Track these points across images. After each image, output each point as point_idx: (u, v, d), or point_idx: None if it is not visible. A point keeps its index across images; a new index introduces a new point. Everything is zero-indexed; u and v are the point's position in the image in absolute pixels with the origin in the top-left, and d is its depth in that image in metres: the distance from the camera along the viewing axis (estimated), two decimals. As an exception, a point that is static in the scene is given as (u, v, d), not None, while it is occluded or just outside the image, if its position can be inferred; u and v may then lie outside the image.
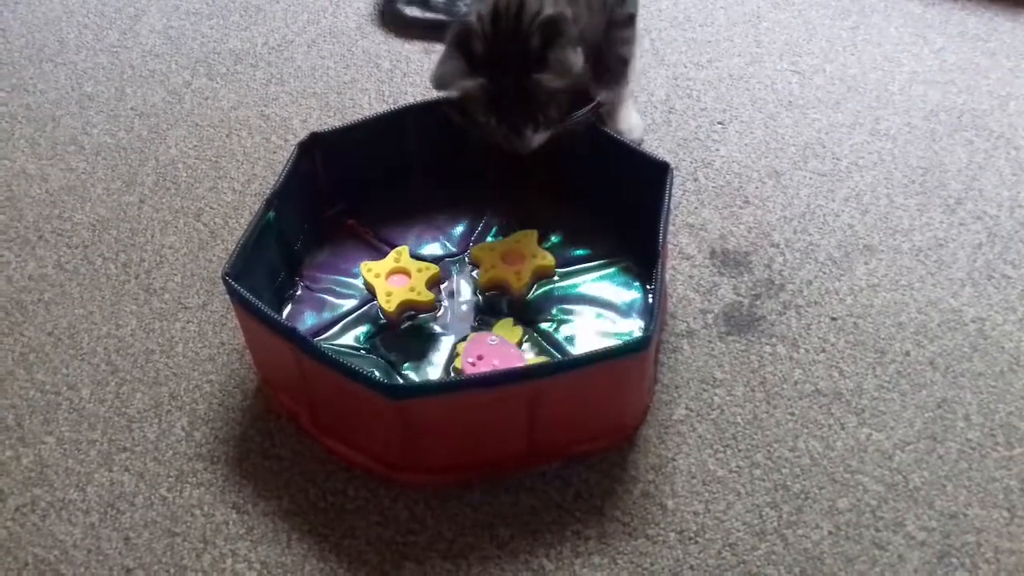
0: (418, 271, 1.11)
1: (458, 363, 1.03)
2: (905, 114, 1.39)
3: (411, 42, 1.52)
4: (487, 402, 0.92)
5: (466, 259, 1.15)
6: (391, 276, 1.10)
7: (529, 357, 1.04)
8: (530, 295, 1.11)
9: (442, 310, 1.09)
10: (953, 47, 1.51)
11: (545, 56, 1.05)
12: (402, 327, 1.08)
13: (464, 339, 1.05)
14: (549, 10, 1.06)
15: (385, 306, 1.07)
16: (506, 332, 1.06)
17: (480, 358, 1.01)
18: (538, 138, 1.08)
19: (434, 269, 1.11)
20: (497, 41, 1.06)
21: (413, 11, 1.57)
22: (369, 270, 1.11)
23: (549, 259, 1.13)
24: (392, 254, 1.12)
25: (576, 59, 1.06)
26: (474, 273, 1.13)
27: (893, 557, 0.91)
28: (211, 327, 1.12)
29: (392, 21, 1.57)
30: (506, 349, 1.03)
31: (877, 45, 1.51)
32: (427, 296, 1.08)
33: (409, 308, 1.08)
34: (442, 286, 1.12)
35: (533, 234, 1.15)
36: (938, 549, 0.92)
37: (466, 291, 1.11)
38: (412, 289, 1.09)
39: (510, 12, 1.06)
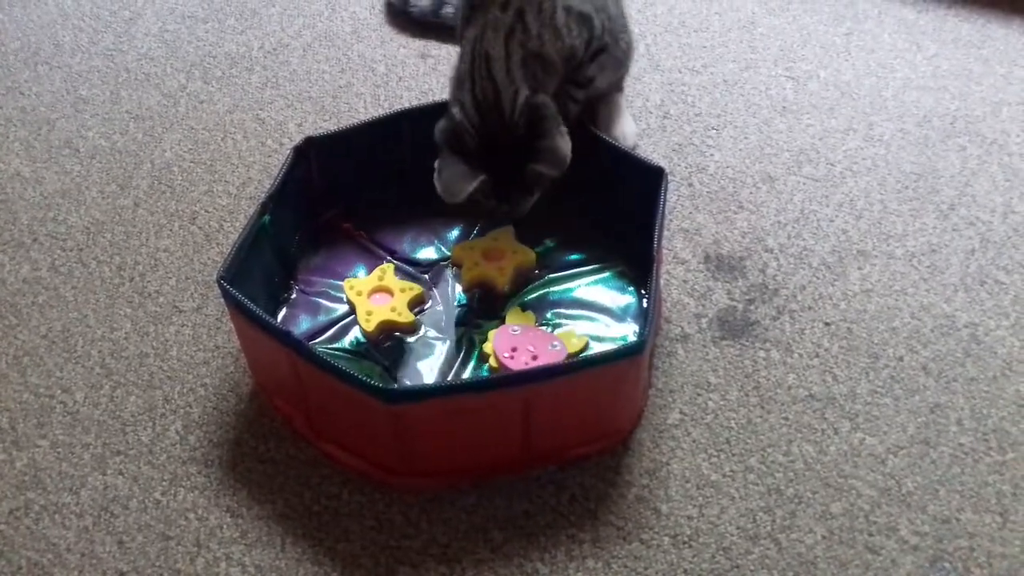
0: (401, 291, 1.09)
1: (492, 362, 1.03)
2: (899, 120, 1.39)
3: (407, 46, 1.53)
4: (482, 406, 0.92)
5: (409, 257, 1.15)
6: (373, 295, 1.09)
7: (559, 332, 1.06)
8: (526, 298, 1.11)
9: (430, 311, 1.09)
10: (946, 53, 1.51)
11: (536, 146, 1.04)
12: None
13: (460, 343, 1.06)
14: (523, 90, 1.05)
15: (364, 326, 1.06)
16: (521, 319, 1.07)
17: (514, 350, 1.02)
18: (532, 201, 1.10)
19: (417, 290, 1.09)
20: (486, 132, 1.06)
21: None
22: (352, 287, 1.10)
23: (530, 254, 1.14)
24: (376, 272, 1.11)
25: (565, 145, 1.05)
26: (431, 274, 1.13)
27: (886, 561, 0.91)
28: (206, 331, 1.12)
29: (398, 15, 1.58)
30: (533, 333, 1.04)
31: (871, 51, 1.52)
32: (408, 317, 1.07)
33: (389, 329, 1.07)
34: (435, 289, 1.12)
35: (510, 230, 1.16)
36: (931, 554, 0.92)
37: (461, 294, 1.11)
38: (393, 309, 1.07)
39: (488, 100, 1.05)
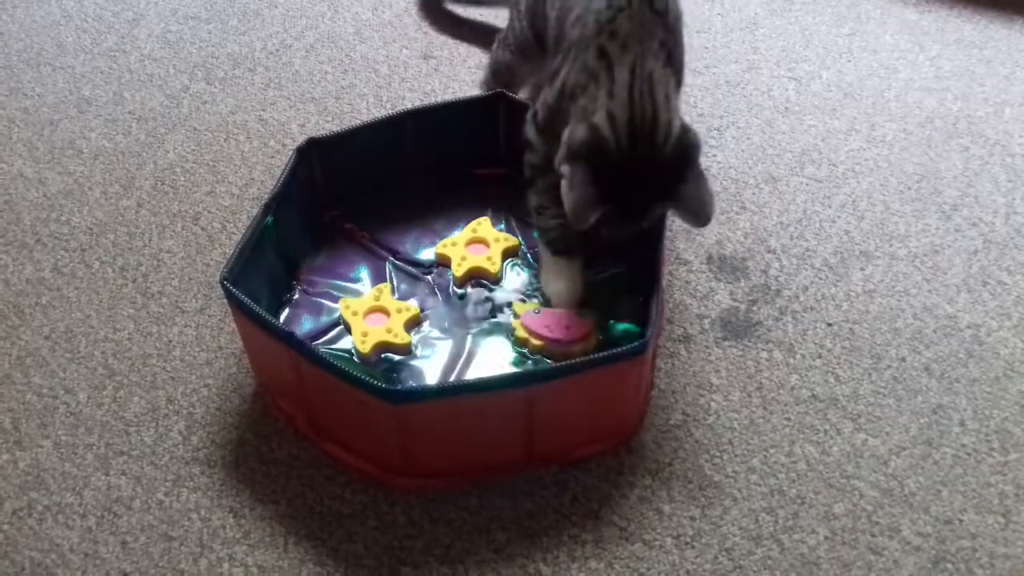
0: (397, 311, 1.07)
1: (534, 343, 1.04)
2: (901, 121, 1.39)
3: (409, 47, 1.53)
4: (485, 406, 0.92)
5: (411, 258, 1.15)
6: (369, 315, 1.07)
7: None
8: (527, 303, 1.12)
9: (432, 311, 1.10)
10: (949, 54, 1.51)
11: (679, 191, 0.94)
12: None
13: (463, 343, 1.06)
14: (677, 121, 0.95)
15: (360, 347, 1.04)
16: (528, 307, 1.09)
17: (547, 326, 1.04)
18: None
19: (414, 310, 1.07)
20: (633, 159, 0.94)
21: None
22: (347, 307, 1.08)
23: (512, 239, 1.15)
24: (373, 291, 1.10)
25: (711, 199, 0.95)
26: (433, 275, 1.13)
27: (888, 562, 0.91)
28: (209, 331, 1.12)
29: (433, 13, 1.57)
30: (552, 312, 1.06)
31: (873, 52, 1.52)
32: (404, 339, 1.05)
33: (385, 350, 1.05)
34: (437, 289, 1.12)
35: (486, 220, 1.17)
36: (933, 554, 0.92)
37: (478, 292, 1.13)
38: (389, 331, 1.05)
39: (646, 124, 0.94)
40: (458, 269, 1.13)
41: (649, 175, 0.95)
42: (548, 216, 1.08)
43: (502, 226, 1.19)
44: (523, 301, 1.10)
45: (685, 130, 0.96)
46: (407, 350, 1.05)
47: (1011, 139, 1.36)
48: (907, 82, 1.46)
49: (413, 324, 1.08)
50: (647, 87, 0.94)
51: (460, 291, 1.12)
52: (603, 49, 0.96)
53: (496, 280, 1.13)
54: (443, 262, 1.15)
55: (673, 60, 1.00)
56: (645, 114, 0.94)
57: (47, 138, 1.39)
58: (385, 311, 1.08)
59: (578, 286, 1.08)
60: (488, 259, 1.13)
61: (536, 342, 1.04)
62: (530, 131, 1.09)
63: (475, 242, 1.15)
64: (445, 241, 1.16)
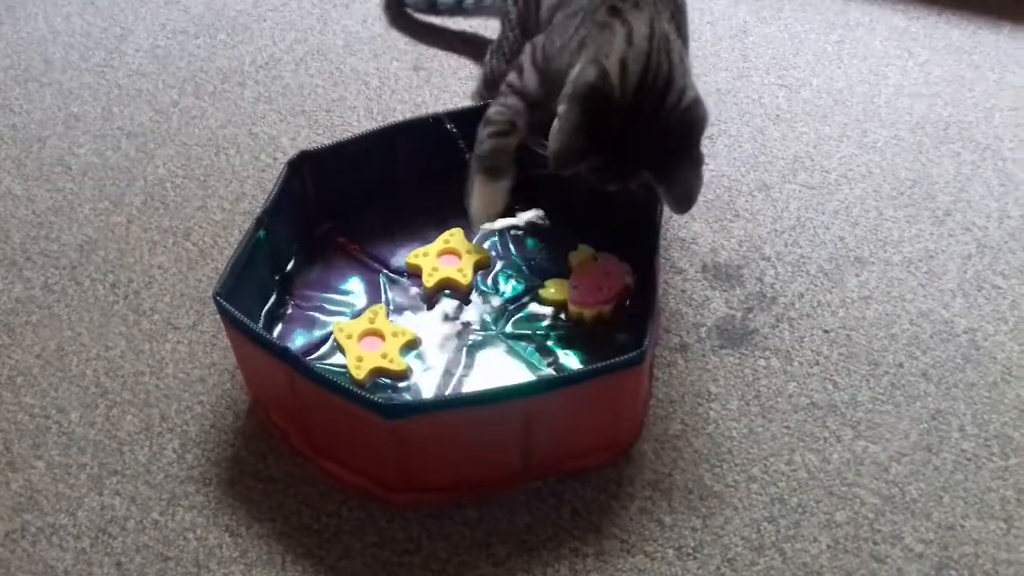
0: (393, 335, 1.04)
1: (583, 312, 1.07)
2: (892, 127, 1.40)
3: (399, 59, 1.52)
4: (482, 419, 0.91)
5: (404, 271, 1.14)
6: (364, 338, 1.05)
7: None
8: (523, 311, 1.11)
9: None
10: (938, 60, 1.52)
11: (669, 164, 0.89)
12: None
13: (458, 355, 1.05)
14: (691, 92, 0.90)
15: (355, 373, 1.01)
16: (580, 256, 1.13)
17: (579, 289, 1.08)
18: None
19: (410, 335, 1.05)
20: (634, 116, 0.89)
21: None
22: (341, 330, 1.05)
23: (484, 252, 1.15)
24: (367, 313, 1.07)
25: (698, 184, 0.90)
26: (407, 283, 1.13)
27: (892, 570, 0.91)
28: (201, 348, 1.11)
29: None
30: (584, 274, 1.10)
31: (863, 59, 1.52)
32: (400, 365, 1.02)
33: (380, 375, 1.03)
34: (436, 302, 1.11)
35: (460, 231, 1.16)
36: (936, 561, 0.92)
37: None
38: (384, 356, 1.02)
39: (658, 83, 0.88)
40: (429, 280, 1.11)
41: (644, 137, 0.90)
42: (494, 134, 1.06)
43: (495, 238, 1.18)
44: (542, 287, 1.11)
45: (696, 103, 0.91)
46: (403, 376, 1.02)
47: (1001, 143, 1.36)
48: (897, 88, 1.47)
49: (409, 348, 1.05)
50: (664, 44, 0.90)
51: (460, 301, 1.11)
52: (615, 7, 0.93)
53: (467, 291, 1.11)
54: (414, 272, 1.13)
55: (682, 33, 0.97)
56: (660, 71, 0.89)
57: (35, 155, 1.38)
58: (380, 334, 1.05)
59: (498, 206, 1.08)
60: (459, 271, 1.12)
61: (586, 313, 1.06)
62: (525, 62, 1.06)
63: (447, 253, 1.14)
64: (417, 251, 1.14)
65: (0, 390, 1.08)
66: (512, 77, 1.09)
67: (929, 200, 1.28)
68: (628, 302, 1.09)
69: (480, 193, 1.09)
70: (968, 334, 1.11)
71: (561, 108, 0.92)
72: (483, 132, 1.08)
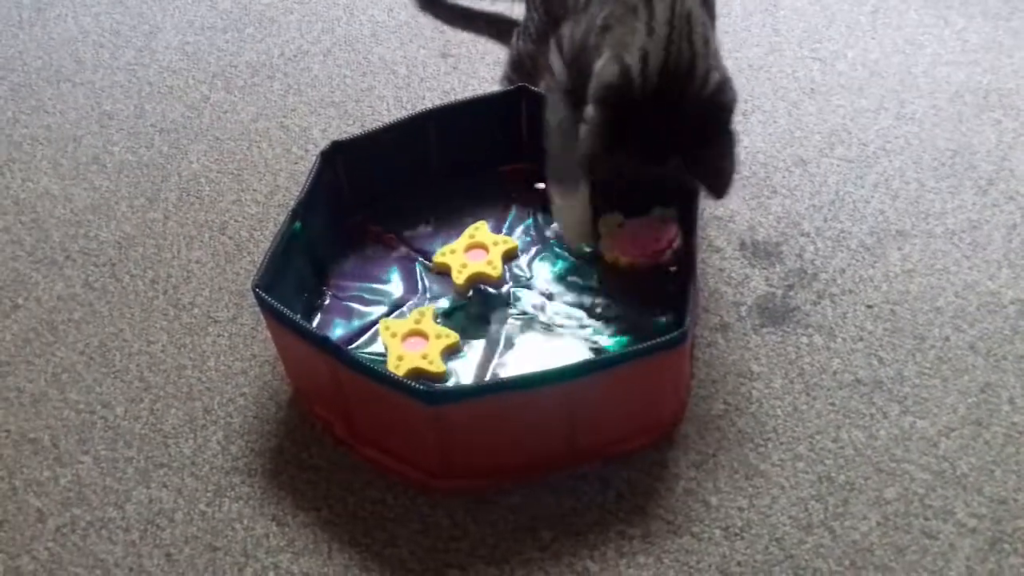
0: (436, 337, 1.04)
1: (623, 260, 1.08)
2: (930, 96, 1.37)
3: (427, 47, 1.52)
4: (524, 403, 0.91)
5: (430, 269, 1.13)
6: (408, 338, 1.04)
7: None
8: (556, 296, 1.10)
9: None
10: (975, 27, 1.48)
11: (702, 155, 0.87)
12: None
13: (494, 340, 1.05)
14: (716, 74, 0.88)
15: (394, 371, 1.00)
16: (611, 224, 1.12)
17: (635, 242, 1.08)
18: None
19: (454, 337, 1.04)
20: (659, 105, 0.88)
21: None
22: (387, 328, 1.05)
23: (511, 241, 1.14)
24: (414, 314, 1.06)
25: (732, 170, 0.87)
26: (424, 279, 1.12)
27: (944, 546, 0.90)
28: (242, 340, 1.12)
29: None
30: (629, 229, 1.09)
31: (897, 28, 1.50)
32: (439, 367, 1.01)
33: (419, 376, 1.02)
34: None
35: (484, 224, 1.15)
36: (989, 536, 0.90)
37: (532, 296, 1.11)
38: (424, 357, 1.02)
39: (680, 70, 0.86)
40: (459, 276, 1.10)
41: (671, 126, 0.88)
42: (555, 143, 1.05)
43: (530, 221, 1.18)
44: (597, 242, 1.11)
45: (722, 86, 0.89)
46: (441, 379, 1.02)
47: (1044, 110, 1.33)
48: (934, 57, 1.44)
49: (451, 352, 1.04)
50: (686, 28, 0.88)
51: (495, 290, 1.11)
52: None
53: (500, 283, 1.11)
54: (442, 271, 1.12)
55: (709, 8, 0.96)
56: (682, 59, 0.88)
57: (71, 154, 1.39)
58: (424, 335, 1.05)
59: (586, 221, 1.06)
60: (489, 263, 1.11)
61: (625, 259, 1.06)
62: (554, 60, 1.04)
63: (474, 247, 1.13)
64: (443, 249, 1.13)
65: (46, 387, 1.09)
66: (547, 81, 1.08)
67: (971, 170, 1.26)
68: (673, 264, 1.08)
69: (564, 211, 1.06)
70: (1015, 305, 1.09)
71: (587, 110, 0.91)
72: (546, 144, 1.07)
